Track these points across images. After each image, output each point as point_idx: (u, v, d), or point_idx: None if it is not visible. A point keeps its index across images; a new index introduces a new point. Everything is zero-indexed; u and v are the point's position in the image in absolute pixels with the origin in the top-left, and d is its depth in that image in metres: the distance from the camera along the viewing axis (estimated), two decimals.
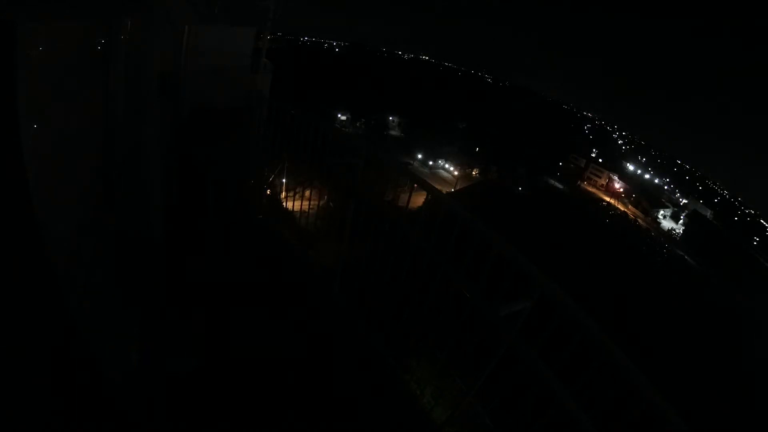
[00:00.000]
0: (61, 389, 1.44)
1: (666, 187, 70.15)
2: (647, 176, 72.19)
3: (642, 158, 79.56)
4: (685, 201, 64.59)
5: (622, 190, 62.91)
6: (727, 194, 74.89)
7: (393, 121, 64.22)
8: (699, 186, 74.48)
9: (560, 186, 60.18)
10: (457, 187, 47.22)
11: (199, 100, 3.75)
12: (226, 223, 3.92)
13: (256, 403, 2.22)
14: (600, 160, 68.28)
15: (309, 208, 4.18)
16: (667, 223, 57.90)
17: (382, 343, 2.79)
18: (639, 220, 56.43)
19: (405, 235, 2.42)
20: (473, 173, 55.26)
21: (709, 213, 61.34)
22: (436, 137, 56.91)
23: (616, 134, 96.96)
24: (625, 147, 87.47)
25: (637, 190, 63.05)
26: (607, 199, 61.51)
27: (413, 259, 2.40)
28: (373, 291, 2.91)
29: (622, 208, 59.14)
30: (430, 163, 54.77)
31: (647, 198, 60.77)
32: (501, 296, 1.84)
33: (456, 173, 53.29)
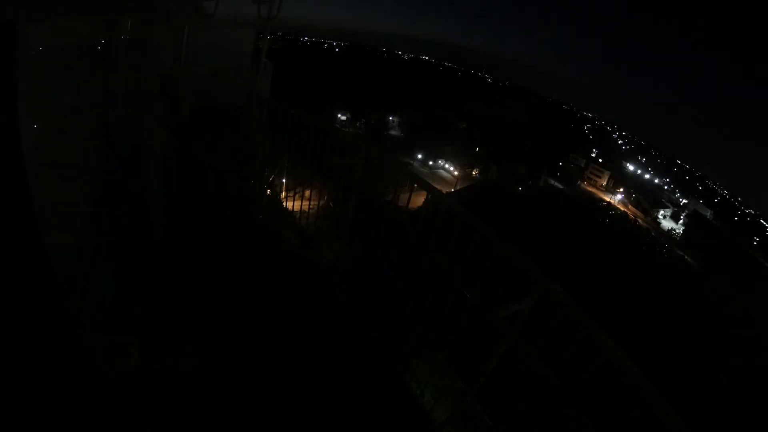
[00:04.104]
0: (61, 389, 1.44)
1: (666, 187, 70.15)
2: (647, 176, 72.20)
3: (642, 158, 79.57)
4: (685, 201, 64.56)
5: (622, 190, 62.95)
6: (727, 194, 74.90)
7: (393, 121, 64.23)
8: (699, 186, 74.49)
9: (560, 186, 60.17)
10: (457, 187, 47.23)
11: (199, 100, 3.75)
12: (226, 222, 3.93)
13: (255, 403, 2.22)
14: (600, 160, 68.27)
15: (309, 208, 4.18)
16: (667, 223, 57.87)
17: (382, 342, 2.79)
18: (639, 220, 56.41)
19: (405, 235, 2.42)
20: (473, 173, 55.27)
21: (709, 213, 61.31)
22: (436, 137, 56.91)
23: (616, 134, 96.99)
24: (625, 147, 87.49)
25: (637, 190, 63.05)
26: (607, 199, 61.51)
27: (413, 259, 2.40)
28: (373, 291, 2.91)
29: (622, 208, 59.13)
30: (430, 163, 54.76)
31: (647, 198, 60.77)
32: (501, 296, 1.84)
33: (456, 173, 53.29)
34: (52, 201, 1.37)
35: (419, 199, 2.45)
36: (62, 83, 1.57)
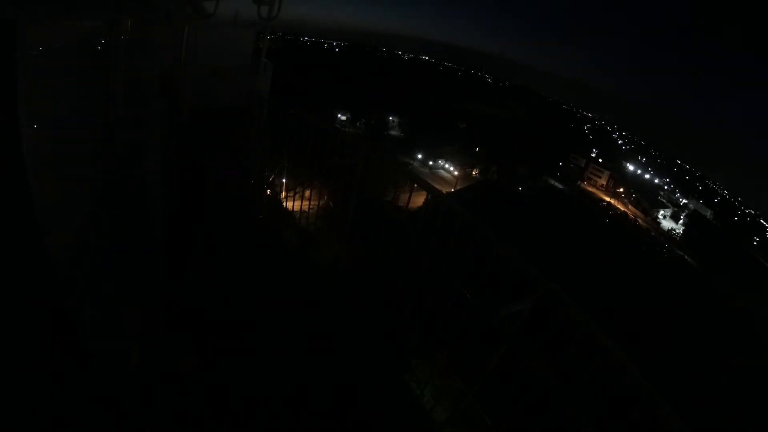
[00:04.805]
0: (61, 389, 1.44)
1: (666, 187, 70.15)
2: (647, 176, 72.19)
3: (642, 158, 79.56)
4: (685, 201, 64.57)
5: (622, 190, 62.97)
6: (727, 194, 74.91)
7: (393, 121, 64.22)
8: (699, 186, 74.48)
9: (560, 186, 60.17)
10: (457, 187, 47.24)
11: (199, 100, 3.75)
12: (226, 222, 3.93)
13: (255, 402, 2.22)
14: (600, 160, 68.28)
15: (309, 208, 4.18)
16: (667, 223, 57.86)
17: (382, 342, 2.79)
18: (639, 220, 56.42)
19: (405, 235, 2.42)
20: (473, 173, 55.27)
21: (709, 213, 61.31)
22: (436, 137, 56.92)
23: (616, 134, 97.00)
24: (625, 147, 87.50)
25: (637, 190, 63.05)
26: (607, 199, 61.53)
27: (413, 259, 2.40)
28: (373, 291, 2.91)
29: (622, 208, 59.14)
30: (430, 163, 54.77)
31: (647, 198, 60.77)
32: (501, 296, 1.84)
33: (456, 173, 53.30)
34: (52, 201, 1.37)
35: (419, 199, 2.45)
36: (62, 83, 1.57)
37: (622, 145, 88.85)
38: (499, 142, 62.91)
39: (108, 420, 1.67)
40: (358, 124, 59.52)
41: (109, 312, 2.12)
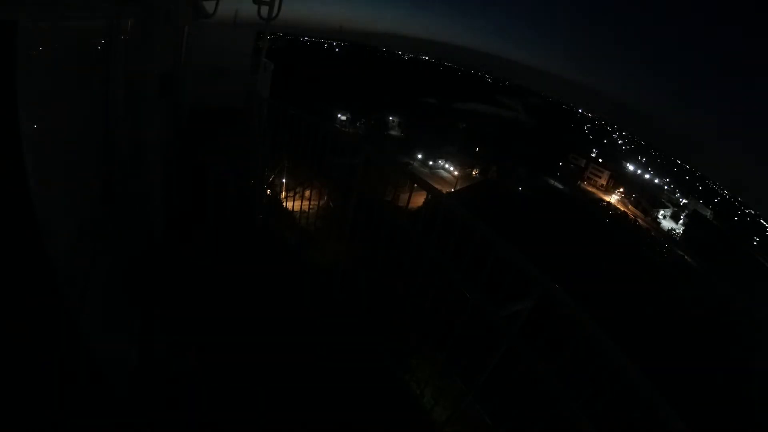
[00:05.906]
0: (61, 389, 1.44)
1: (666, 187, 70.12)
2: (647, 176, 72.17)
3: (642, 158, 79.55)
4: (685, 201, 64.54)
5: (622, 190, 62.98)
6: (727, 194, 74.91)
7: (393, 121, 64.23)
8: (699, 186, 74.48)
9: (560, 186, 60.17)
10: (457, 187, 47.26)
11: (199, 100, 3.75)
12: (226, 223, 3.93)
13: (255, 403, 2.22)
14: (600, 160, 68.26)
15: (309, 208, 4.19)
16: (667, 223, 57.85)
17: (382, 342, 2.79)
18: (639, 220, 56.40)
19: (405, 235, 2.42)
20: (473, 173, 55.27)
21: (709, 213, 61.31)
22: (436, 137, 56.94)
23: (616, 134, 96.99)
24: (625, 147, 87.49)
25: (637, 190, 63.05)
26: (607, 199, 61.52)
27: (413, 259, 2.40)
28: (373, 291, 2.91)
29: (622, 208, 59.13)
30: (430, 163, 54.78)
31: (647, 198, 60.76)
32: (501, 296, 1.84)
33: (456, 173, 53.30)
34: (52, 201, 1.38)
35: (419, 199, 2.46)
36: (62, 83, 1.57)
37: (622, 145, 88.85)
38: (499, 142, 62.94)
39: (108, 421, 1.67)
40: (358, 124, 59.51)
41: (109, 312, 2.12)
